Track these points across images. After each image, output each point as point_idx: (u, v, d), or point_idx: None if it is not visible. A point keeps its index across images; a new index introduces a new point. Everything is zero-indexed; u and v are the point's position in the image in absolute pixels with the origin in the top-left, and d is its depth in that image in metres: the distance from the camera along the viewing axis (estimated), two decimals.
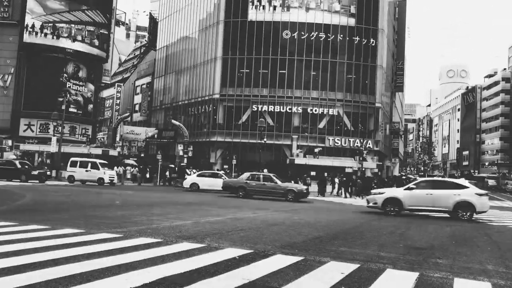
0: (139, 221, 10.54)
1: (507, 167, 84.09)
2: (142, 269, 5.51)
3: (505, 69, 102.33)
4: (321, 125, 44.91)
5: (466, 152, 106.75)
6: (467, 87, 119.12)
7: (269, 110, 44.75)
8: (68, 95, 42.59)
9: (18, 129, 41.57)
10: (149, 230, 9.04)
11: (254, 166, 38.86)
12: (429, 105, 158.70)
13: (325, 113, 44.73)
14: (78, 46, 43.35)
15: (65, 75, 43.35)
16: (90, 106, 45.85)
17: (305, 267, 6.21)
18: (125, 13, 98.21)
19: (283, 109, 44.80)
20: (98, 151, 40.02)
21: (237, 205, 17.77)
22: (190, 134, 47.16)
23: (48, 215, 11.01)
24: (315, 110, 44.66)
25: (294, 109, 44.77)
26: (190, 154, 42.16)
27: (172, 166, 37.94)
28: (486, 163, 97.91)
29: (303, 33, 45.13)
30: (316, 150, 42.10)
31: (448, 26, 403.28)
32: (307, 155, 42.94)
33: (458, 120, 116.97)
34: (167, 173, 36.10)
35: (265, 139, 38.14)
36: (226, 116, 46.56)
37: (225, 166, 43.34)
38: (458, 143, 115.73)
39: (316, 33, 45.08)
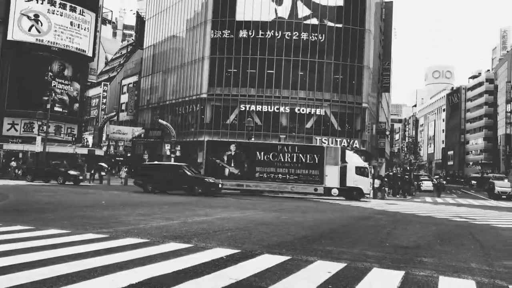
0: (125, 221, 10.46)
1: (490, 167, 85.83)
2: (129, 270, 5.48)
3: (488, 70, 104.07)
4: (309, 125, 45.10)
5: (451, 152, 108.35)
6: (452, 88, 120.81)
7: (257, 109, 44.78)
8: (53, 94, 41.97)
9: (2, 128, 40.79)
10: (136, 230, 8.98)
11: None
12: (415, 106, 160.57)
13: (312, 113, 44.94)
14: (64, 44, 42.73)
15: (50, 73, 42.70)
16: (76, 105, 45.25)
17: (293, 266, 6.24)
18: (111, 11, 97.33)
19: (270, 108, 44.88)
20: (84, 150, 39.60)
21: (225, 204, 17.74)
22: (178, 134, 46.91)
23: (33, 216, 10.86)
24: (303, 110, 44.83)
25: (281, 109, 44.88)
26: (177, 153, 41.96)
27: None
28: (470, 163, 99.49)
29: (290, 33, 45.25)
30: None
31: (433, 29, 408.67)
32: None
33: (443, 121, 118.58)
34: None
35: (252, 139, 38.10)
36: (213, 115, 46.45)
37: None
38: (443, 143, 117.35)
39: (304, 33, 45.25)
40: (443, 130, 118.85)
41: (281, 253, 7.20)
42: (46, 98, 38.45)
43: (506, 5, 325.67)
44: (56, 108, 41.84)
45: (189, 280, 5.14)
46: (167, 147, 41.95)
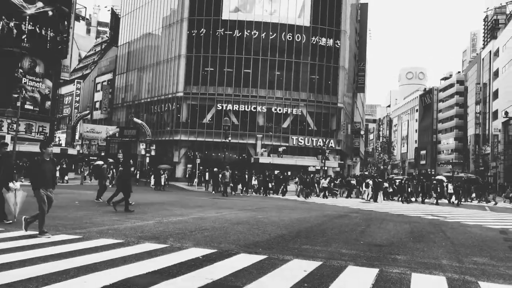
0: (99, 222, 10.27)
1: (461, 166, 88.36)
2: (103, 271, 5.38)
3: (459, 72, 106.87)
4: (285, 124, 45.34)
5: (423, 152, 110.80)
6: (425, 88, 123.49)
7: (234, 109, 44.70)
8: (24, 91, 40.73)
9: None
10: (110, 231, 8.83)
11: (219, 165, 38.74)
12: (389, 106, 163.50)
13: (289, 112, 45.20)
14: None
15: (20, 70, 41.47)
16: (48, 103, 44.05)
17: (269, 265, 6.25)
18: (85, 7, 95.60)
19: (247, 108, 44.89)
20: (57, 149, 38.65)
21: (201, 204, 17.65)
22: (153, 133, 46.36)
23: None
24: (279, 110, 45.05)
25: (258, 108, 44.95)
26: (152, 153, 41.43)
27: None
28: (442, 162, 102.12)
29: (267, 33, 45.37)
30: (280, 149, 42.48)
31: (407, 31, 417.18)
32: (271, 154, 43.25)
33: (416, 121, 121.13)
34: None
35: (229, 138, 38.05)
36: (190, 114, 46.11)
37: (189, 166, 42.94)
38: (416, 142, 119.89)
39: (281, 33, 45.45)
40: (416, 130, 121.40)
41: (258, 253, 7.21)
42: (16, 95, 37.28)
43: (477, 8, 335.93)
44: (26, 106, 40.67)
45: (165, 280, 5.09)
46: (142, 146, 41.40)
